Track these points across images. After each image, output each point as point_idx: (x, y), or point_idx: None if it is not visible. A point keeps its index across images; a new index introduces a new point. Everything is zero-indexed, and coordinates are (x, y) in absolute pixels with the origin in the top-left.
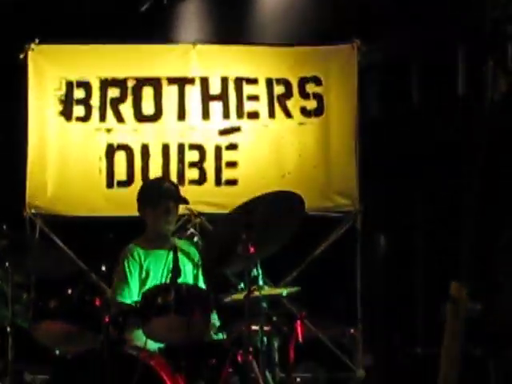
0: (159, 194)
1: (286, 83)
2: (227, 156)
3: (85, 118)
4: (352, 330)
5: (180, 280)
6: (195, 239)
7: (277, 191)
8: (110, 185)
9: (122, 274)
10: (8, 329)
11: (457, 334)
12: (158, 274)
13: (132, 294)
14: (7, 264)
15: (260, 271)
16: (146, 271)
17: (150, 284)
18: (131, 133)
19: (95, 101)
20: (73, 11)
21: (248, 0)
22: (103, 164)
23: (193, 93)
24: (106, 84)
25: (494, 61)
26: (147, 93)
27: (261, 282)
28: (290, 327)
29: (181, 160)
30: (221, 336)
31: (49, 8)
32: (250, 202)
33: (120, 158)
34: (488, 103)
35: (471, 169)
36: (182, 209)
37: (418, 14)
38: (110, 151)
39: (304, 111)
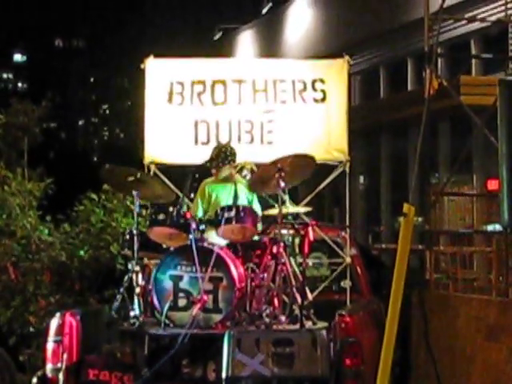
0: (219, 153)
1: (304, 82)
2: (267, 127)
3: (180, 102)
4: (343, 233)
5: (238, 202)
6: (247, 177)
7: (298, 153)
8: (195, 144)
9: (197, 199)
10: (134, 232)
11: (407, 237)
12: (224, 199)
13: (200, 211)
14: (135, 192)
15: (287, 196)
16: (215, 198)
17: (218, 205)
18: (208, 112)
19: (187, 93)
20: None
21: (281, 31)
22: (192, 132)
23: (246, 88)
24: (193, 83)
25: (430, 69)
26: (219, 88)
27: (288, 203)
28: (305, 231)
29: (238, 129)
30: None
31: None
32: (281, 157)
33: (202, 128)
34: (427, 94)
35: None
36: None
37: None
38: (196, 124)
39: (314, 100)
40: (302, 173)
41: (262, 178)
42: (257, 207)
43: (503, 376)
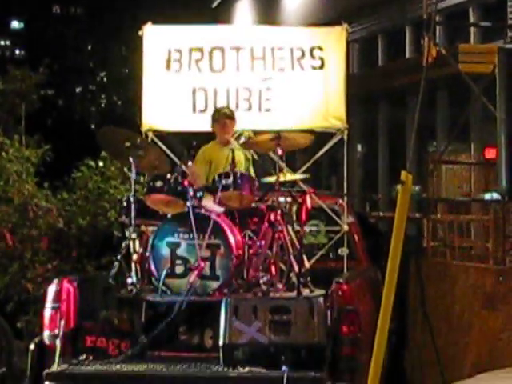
0: (221, 113)
1: (302, 50)
2: (265, 95)
3: (178, 70)
4: (341, 200)
5: (235, 168)
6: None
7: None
8: (193, 111)
9: (198, 165)
10: (131, 199)
11: (405, 205)
12: (221, 165)
13: (202, 178)
14: (131, 158)
15: (284, 163)
16: (213, 164)
17: (215, 171)
18: (206, 79)
19: (185, 60)
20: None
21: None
22: (190, 99)
23: (244, 56)
24: (191, 50)
25: (428, 37)
26: (217, 55)
27: (286, 170)
28: (302, 198)
29: (236, 97)
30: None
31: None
32: (280, 134)
33: (200, 95)
34: (425, 62)
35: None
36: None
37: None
38: (193, 91)
39: (313, 67)
40: (299, 144)
41: (259, 143)
42: (252, 173)
43: (499, 343)
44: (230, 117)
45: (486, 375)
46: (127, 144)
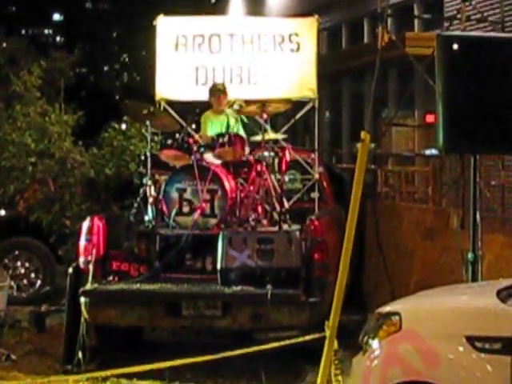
0: (216, 89)
1: (282, 36)
2: (253, 71)
3: (184, 51)
4: (312, 155)
5: (230, 129)
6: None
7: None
8: (196, 84)
9: (202, 126)
10: (147, 154)
11: (364, 158)
12: (218, 127)
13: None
14: (148, 122)
15: (269, 125)
16: (213, 126)
17: (214, 131)
18: (206, 59)
19: (189, 44)
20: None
21: None
22: (193, 74)
23: (237, 40)
24: (194, 36)
25: (382, 26)
26: (215, 40)
27: (269, 131)
28: (282, 153)
29: (230, 73)
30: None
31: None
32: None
33: (201, 72)
34: (379, 46)
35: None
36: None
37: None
38: (196, 69)
39: (291, 50)
40: (280, 109)
41: (249, 112)
42: (242, 133)
43: (437, 267)
44: (223, 91)
45: (425, 292)
46: (144, 111)
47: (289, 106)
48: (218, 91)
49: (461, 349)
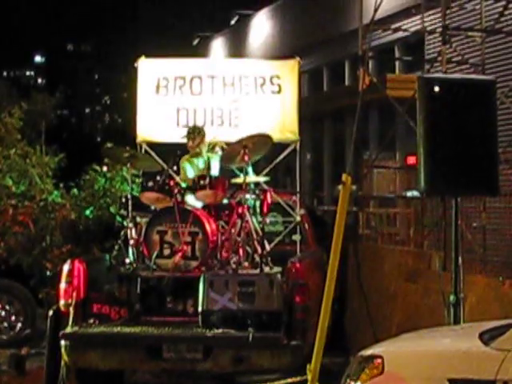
0: (188, 132)
1: (263, 78)
2: (234, 113)
3: (165, 93)
4: (294, 197)
5: (210, 172)
6: (219, 153)
7: (259, 133)
8: (177, 126)
9: (180, 171)
10: (128, 196)
11: (345, 201)
12: (196, 170)
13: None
14: (129, 165)
15: (250, 168)
16: (191, 168)
17: (193, 174)
18: (187, 101)
19: (171, 86)
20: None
21: (246, 38)
22: (174, 116)
23: (218, 82)
24: (176, 78)
25: (363, 69)
26: (196, 82)
27: (251, 174)
28: (264, 195)
29: (211, 115)
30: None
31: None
32: (245, 137)
33: (182, 114)
34: (361, 88)
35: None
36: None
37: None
38: (177, 110)
39: (272, 92)
40: (262, 149)
41: (231, 153)
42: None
43: (419, 309)
44: (193, 133)
45: (407, 334)
46: (126, 155)
47: (269, 144)
48: (189, 134)
49: None
